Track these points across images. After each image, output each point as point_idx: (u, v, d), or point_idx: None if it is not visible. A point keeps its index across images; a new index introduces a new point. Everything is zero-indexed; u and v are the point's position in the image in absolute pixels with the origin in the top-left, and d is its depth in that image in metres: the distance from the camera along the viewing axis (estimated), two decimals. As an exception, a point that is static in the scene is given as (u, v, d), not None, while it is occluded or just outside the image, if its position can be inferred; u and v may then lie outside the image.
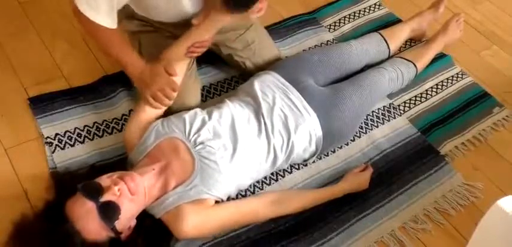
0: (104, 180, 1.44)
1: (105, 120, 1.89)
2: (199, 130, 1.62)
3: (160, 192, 1.54)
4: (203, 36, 1.73)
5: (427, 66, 2.19)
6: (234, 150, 1.62)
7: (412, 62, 2.09)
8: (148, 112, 1.71)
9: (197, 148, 1.59)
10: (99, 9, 1.56)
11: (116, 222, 1.39)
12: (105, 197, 1.39)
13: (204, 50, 1.78)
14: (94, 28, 1.61)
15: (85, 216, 1.37)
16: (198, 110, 1.71)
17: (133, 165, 1.63)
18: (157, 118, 1.71)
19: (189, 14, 1.75)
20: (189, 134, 1.62)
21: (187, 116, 1.67)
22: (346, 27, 2.41)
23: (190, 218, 1.51)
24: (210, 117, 1.66)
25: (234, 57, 2.01)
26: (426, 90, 2.13)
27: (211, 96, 2.03)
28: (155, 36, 1.87)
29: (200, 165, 1.56)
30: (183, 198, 1.53)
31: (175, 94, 1.71)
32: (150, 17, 1.83)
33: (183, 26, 1.76)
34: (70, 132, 1.84)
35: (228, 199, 1.65)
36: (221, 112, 1.69)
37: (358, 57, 2.04)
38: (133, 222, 1.48)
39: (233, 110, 1.70)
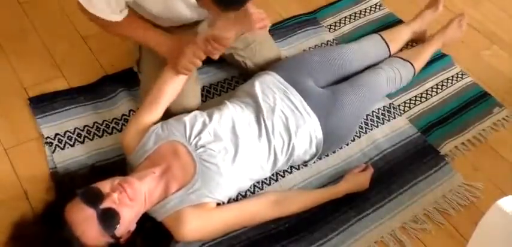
0: (104, 185, 1.43)
1: (105, 120, 1.89)
2: (200, 133, 1.62)
3: (161, 196, 1.54)
4: (224, 33, 1.67)
5: (427, 66, 2.19)
6: (235, 152, 1.61)
7: (408, 61, 2.09)
8: (148, 116, 1.70)
9: (198, 151, 1.58)
10: (95, 7, 1.58)
11: (116, 228, 1.39)
12: (105, 204, 1.38)
13: (222, 49, 1.70)
14: (105, 22, 1.63)
15: (85, 222, 1.36)
16: (197, 112, 1.71)
17: (133, 168, 1.62)
18: (157, 121, 1.70)
19: (187, 17, 1.74)
20: (189, 137, 1.61)
21: (188, 118, 1.66)
22: (347, 28, 2.41)
23: (191, 222, 1.51)
24: (210, 120, 1.66)
25: (234, 56, 2.01)
26: (426, 90, 2.13)
27: (211, 96, 2.03)
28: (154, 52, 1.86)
29: (201, 169, 1.56)
30: (184, 201, 1.52)
31: (200, 61, 1.70)
32: (155, 21, 1.81)
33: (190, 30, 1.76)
34: (70, 132, 1.84)
35: (229, 200, 1.65)
36: (221, 114, 1.68)
37: (358, 60, 2.03)
38: (133, 226, 1.48)
39: (233, 112, 1.69)
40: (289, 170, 1.80)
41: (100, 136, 1.85)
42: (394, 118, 2.01)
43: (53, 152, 1.78)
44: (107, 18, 1.61)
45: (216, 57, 1.73)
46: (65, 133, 1.84)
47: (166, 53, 1.73)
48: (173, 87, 1.75)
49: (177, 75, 1.73)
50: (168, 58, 1.73)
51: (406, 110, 2.05)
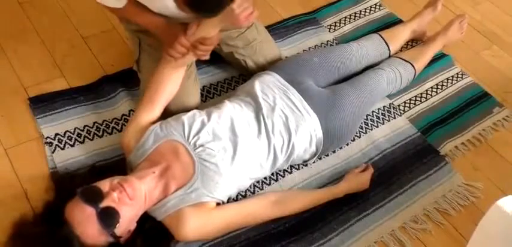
0: (103, 184, 1.43)
1: (105, 120, 1.89)
2: (198, 132, 1.62)
3: (161, 195, 1.54)
4: (208, 33, 1.70)
5: (427, 66, 2.19)
6: (234, 151, 1.61)
7: (409, 62, 2.08)
8: (146, 115, 1.70)
9: (197, 150, 1.58)
10: None
11: (116, 227, 1.39)
12: (105, 203, 1.38)
13: (209, 49, 1.71)
14: (112, 9, 1.75)
15: (84, 221, 1.37)
16: (196, 111, 1.70)
17: (132, 168, 1.62)
18: (156, 121, 1.70)
19: (171, 10, 1.74)
20: (188, 137, 1.61)
21: (186, 118, 1.66)
22: (347, 28, 2.41)
23: (191, 221, 1.51)
24: (209, 119, 1.66)
25: (234, 55, 2.01)
26: (426, 90, 2.13)
27: (211, 96, 2.03)
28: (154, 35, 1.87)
29: (201, 168, 1.56)
30: (184, 201, 1.52)
31: (183, 49, 1.68)
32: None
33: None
34: (70, 132, 1.84)
35: (229, 200, 1.65)
36: (220, 113, 1.68)
37: (358, 60, 2.04)
38: (133, 226, 1.48)
39: (232, 111, 1.69)
40: (289, 170, 1.80)
41: (100, 137, 1.85)
42: (394, 118, 2.01)
43: (53, 152, 1.78)
44: (110, 6, 1.71)
45: (206, 57, 1.73)
46: (65, 133, 1.84)
47: (161, 34, 1.75)
48: (170, 86, 1.75)
49: (173, 73, 1.73)
50: (163, 41, 1.75)
51: (406, 110, 2.05)
